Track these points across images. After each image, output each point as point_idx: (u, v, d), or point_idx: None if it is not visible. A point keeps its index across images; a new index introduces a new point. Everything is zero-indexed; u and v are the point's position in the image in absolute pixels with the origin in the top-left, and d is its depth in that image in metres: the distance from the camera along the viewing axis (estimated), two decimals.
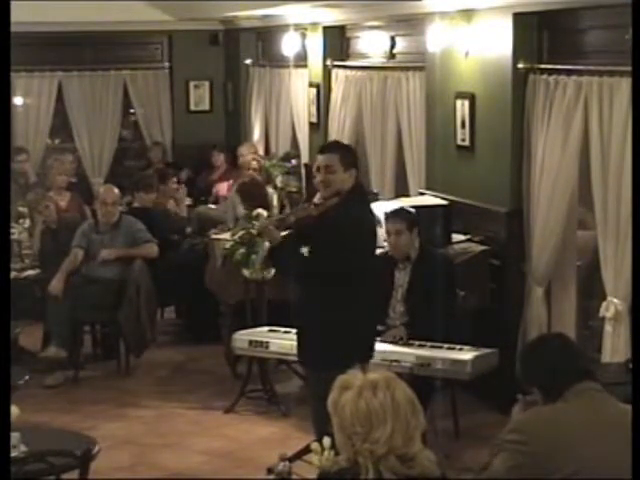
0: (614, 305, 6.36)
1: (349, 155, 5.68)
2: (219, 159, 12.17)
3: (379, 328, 6.64)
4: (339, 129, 10.14)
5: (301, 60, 11.12)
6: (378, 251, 7.34)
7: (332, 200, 5.52)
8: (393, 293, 6.83)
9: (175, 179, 10.64)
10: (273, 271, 7.26)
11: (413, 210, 7.06)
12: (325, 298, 5.52)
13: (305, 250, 5.59)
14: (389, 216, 6.93)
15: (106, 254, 8.46)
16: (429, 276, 6.66)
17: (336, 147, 5.85)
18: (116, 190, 8.80)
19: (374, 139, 9.62)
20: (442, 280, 6.61)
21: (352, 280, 5.52)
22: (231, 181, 11.12)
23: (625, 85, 6.12)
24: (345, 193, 5.54)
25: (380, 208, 7.74)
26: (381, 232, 7.53)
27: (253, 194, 8.86)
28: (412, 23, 8.89)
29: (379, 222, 7.64)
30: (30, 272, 9.15)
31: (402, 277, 6.83)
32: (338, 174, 5.53)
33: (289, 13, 10.78)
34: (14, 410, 4.82)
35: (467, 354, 6.27)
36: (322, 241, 5.47)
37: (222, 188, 11.38)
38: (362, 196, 5.81)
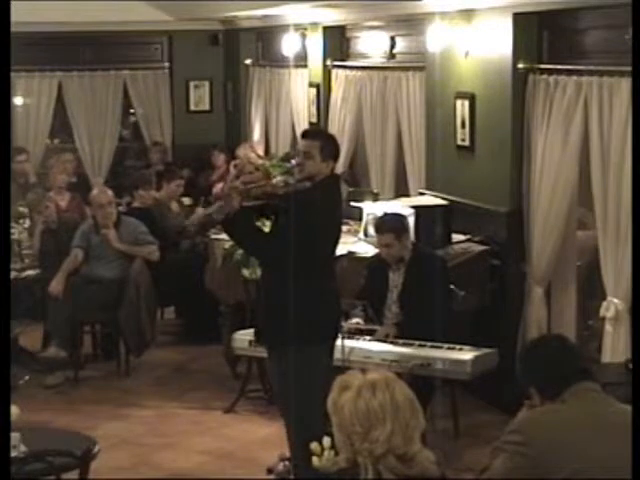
0: (614, 305, 6.36)
1: (330, 145, 5.56)
2: (219, 159, 12.14)
3: (374, 327, 6.65)
4: (339, 129, 10.13)
5: (301, 60, 11.11)
6: (373, 252, 7.36)
7: (302, 184, 5.45)
8: (388, 294, 6.82)
9: (180, 181, 10.60)
10: None
11: (401, 214, 7.01)
12: (283, 277, 5.37)
13: (266, 225, 5.57)
14: (377, 229, 6.89)
15: (113, 235, 8.44)
16: (423, 277, 6.66)
17: (319, 135, 5.75)
18: (109, 191, 8.81)
19: (374, 139, 9.62)
20: (436, 280, 6.61)
21: (312, 262, 5.43)
22: None
23: (625, 85, 6.12)
24: (318, 181, 5.45)
25: (380, 208, 7.75)
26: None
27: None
28: (412, 23, 8.89)
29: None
30: (30, 272, 9.15)
31: (396, 278, 6.82)
32: (315, 161, 5.44)
33: (289, 13, 10.78)
34: (14, 410, 4.82)
35: (467, 354, 6.27)
36: (285, 221, 5.36)
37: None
38: (335, 187, 5.69)
